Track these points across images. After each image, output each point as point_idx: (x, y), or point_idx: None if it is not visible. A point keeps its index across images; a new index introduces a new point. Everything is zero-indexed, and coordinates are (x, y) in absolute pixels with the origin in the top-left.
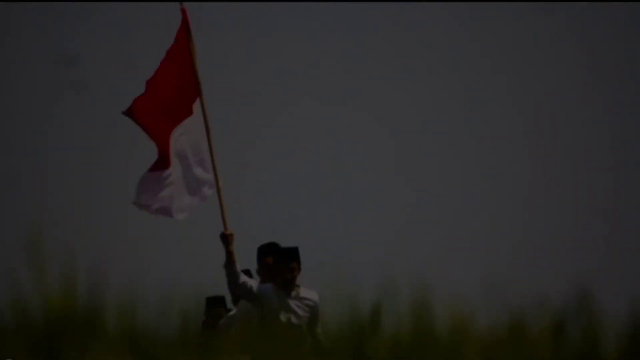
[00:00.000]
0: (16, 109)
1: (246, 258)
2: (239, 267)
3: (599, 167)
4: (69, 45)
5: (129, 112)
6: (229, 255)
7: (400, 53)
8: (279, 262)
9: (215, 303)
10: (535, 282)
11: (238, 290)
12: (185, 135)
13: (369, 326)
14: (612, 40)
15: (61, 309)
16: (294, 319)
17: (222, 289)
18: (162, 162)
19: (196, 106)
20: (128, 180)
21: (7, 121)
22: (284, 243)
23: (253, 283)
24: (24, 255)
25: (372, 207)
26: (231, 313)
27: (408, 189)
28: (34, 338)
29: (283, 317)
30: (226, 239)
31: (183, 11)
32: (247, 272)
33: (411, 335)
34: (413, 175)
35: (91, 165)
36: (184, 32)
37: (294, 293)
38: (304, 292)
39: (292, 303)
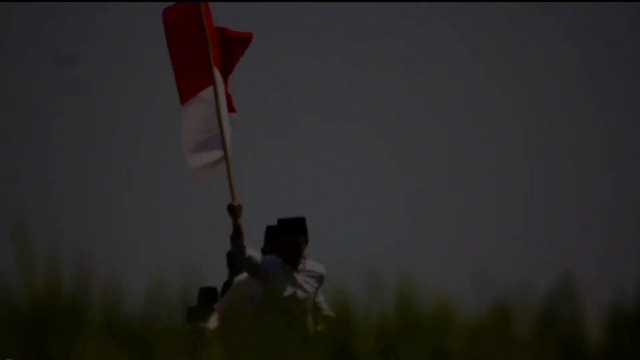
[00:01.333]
0: (15, 109)
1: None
2: (246, 241)
3: (588, 161)
4: (69, 45)
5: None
6: (237, 228)
7: (401, 55)
8: (284, 236)
9: (208, 295)
10: (521, 269)
11: (244, 265)
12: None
13: (356, 315)
14: (613, 41)
15: (47, 298)
16: (300, 293)
17: (212, 277)
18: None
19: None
20: (125, 178)
21: (6, 121)
22: None
23: (259, 257)
24: (9, 245)
25: (357, 199)
26: (227, 295)
27: (395, 181)
28: (19, 328)
29: (288, 291)
30: (234, 210)
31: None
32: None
33: (396, 322)
34: (402, 167)
35: (88, 163)
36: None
37: (300, 266)
38: (310, 264)
39: (299, 277)
